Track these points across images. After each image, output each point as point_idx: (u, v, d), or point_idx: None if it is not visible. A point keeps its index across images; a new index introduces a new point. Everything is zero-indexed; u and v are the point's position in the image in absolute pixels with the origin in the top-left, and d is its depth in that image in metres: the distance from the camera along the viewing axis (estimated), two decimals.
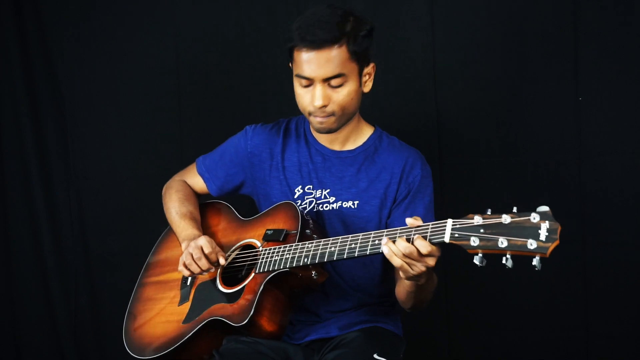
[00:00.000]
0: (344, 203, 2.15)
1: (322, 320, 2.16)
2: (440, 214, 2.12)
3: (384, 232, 1.83)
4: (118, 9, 3.12)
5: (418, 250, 1.76)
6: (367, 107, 2.82)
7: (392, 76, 2.88)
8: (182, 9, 3.06)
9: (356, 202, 2.14)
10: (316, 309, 2.16)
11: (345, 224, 2.14)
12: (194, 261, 2.10)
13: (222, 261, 2.11)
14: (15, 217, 3.22)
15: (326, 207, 2.15)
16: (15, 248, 3.23)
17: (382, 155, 2.18)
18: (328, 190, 2.17)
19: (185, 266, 2.12)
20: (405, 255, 1.77)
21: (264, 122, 2.31)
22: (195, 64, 3.08)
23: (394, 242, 1.78)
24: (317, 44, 1.98)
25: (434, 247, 1.76)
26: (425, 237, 1.75)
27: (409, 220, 1.80)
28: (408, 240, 1.77)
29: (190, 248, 2.11)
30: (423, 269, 1.79)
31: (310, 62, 2.00)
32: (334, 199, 2.16)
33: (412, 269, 1.80)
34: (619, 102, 2.71)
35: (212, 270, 2.13)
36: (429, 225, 1.76)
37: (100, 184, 3.19)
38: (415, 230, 1.77)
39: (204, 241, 2.11)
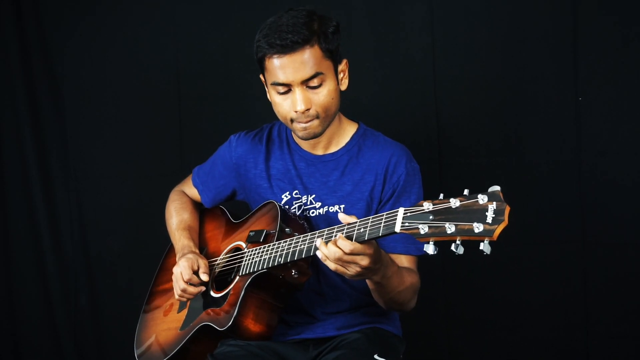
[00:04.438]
0: (330, 208, 2.12)
1: (319, 321, 2.15)
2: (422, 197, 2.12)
3: (344, 226, 1.79)
4: (118, 9, 3.12)
5: (342, 251, 1.74)
6: (366, 108, 2.83)
7: (392, 76, 2.88)
8: (182, 9, 3.06)
9: (342, 206, 2.11)
10: (312, 310, 2.15)
11: None
12: (183, 292, 2.12)
13: (204, 278, 2.12)
14: (15, 217, 3.22)
15: (313, 212, 2.13)
16: (15, 248, 3.24)
17: (366, 154, 2.14)
18: (314, 195, 2.14)
19: (181, 297, 2.16)
20: (337, 259, 1.75)
21: (266, 123, 2.31)
22: (195, 65, 3.08)
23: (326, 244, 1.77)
24: (289, 47, 1.94)
25: (357, 246, 1.73)
26: (379, 229, 1.70)
27: (342, 217, 1.78)
28: (359, 236, 1.74)
29: (174, 280, 2.14)
30: (358, 269, 1.77)
31: (285, 67, 1.96)
32: (320, 204, 2.13)
33: (348, 270, 1.78)
34: (619, 102, 2.70)
35: (204, 288, 2.13)
36: (383, 215, 1.72)
37: (100, 184, 3.19)
38: (371, 222, 1.73)
39: (183, 267, 2.12)
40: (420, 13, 2.84)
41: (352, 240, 1.75)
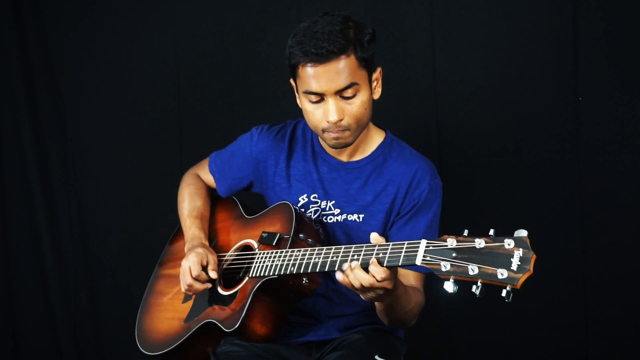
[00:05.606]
0: (349, 216, 2.09)
1: (322, 323, 2.14)
2: (440, 215, 2.12)
3: (362, 247, 1.77)
4: (117, 9, 3.12)
5: (375, 278, 1.71)
6: None
7: (392, 76, 2.87)
8: (182, 9, 3.06)
9: (361, 216, 2.08)
10: (317, 313, 2.14)
11: (349, 237, 2.09)
12: (189, 287, 2.10)
13: (213, 275, 2.08)
14: (15, 217, 3.22)
15: (330, 219, 2.10)
16: (14, 248, 3.23)
17: (390, 166, 2.09)
18: (333, 202, 2.11)
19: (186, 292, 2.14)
20: (364, 286, 1.73)
21: (266, 123, 2.27)
22: (195, 64, 3.08)
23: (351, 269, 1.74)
24: (324, 56, 1.88)
25: (388, 272, 1.70)
26: (398, 258, 1.68)
27: (374, 236, 1.75)
28: (380, 263, 1.71)
29: (182, 274, 2.11)
30: (381, 292, 1.75)
31: (319, 77, 1.90)
32: (338, 211, 2.10)
33: (368, 294, 1.76)
34: (619, 102, 2.71)
35: (210, 285, 2.11)
36: (403, 244, 1.69)
37: (100, 184, 3.19)
38: (391, 249, 1.71)
39: (192, 262, 2.08)
40: (420, 13, 2.83)
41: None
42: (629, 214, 2.72)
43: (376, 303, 1.91)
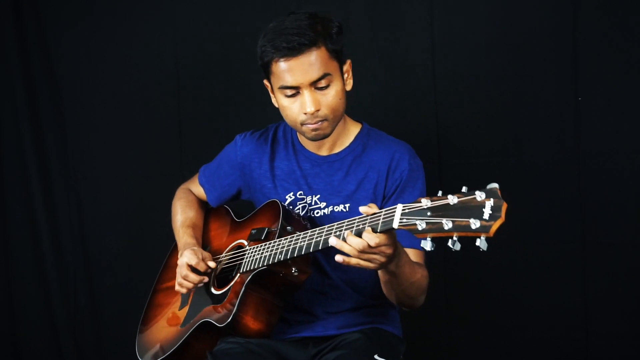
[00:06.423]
0: (335, 207, 2.13)
1: (320, 320, 2.16)
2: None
3: (344, 222, 1.81)
4: (117, 9, 3.12)
5: (368, 244, 1.73)
6: (366, 108, 2.83)
7: (392, 76, 2.88)
8: (181, 10, 3.06)
9: (347, 205, 2.12)
10: (314, 309, 2.16)
11: None
12: (184, 279, 2.12)
13: (212, 264, 2.13)
14: (15, 217, 3.22)
15: (317, 213, 2.14)
16: (14, 248, 3.24)
17: (369, 153, 2.15)
18: (318, 196, 2.16)
19: (181, 285, 2.16)
20: (360, 252, 1.74)
21: (266, 123, 2.31)
22: (195, 65, 3.09)
23: (345, 241, 1.75)
24: (296, 50, 1.96)
25: (382, 237, 1.72)
26: (377, 225, 1.71)
27: (363, 209, 1.76)
28: (359, 233, 1.73)
29: (178, 269, 2.15)
30: (383, 259, 1.77)
31: (293, 70, 1.98)
32: (324, 204, 2.14)
33: (372, 262, 1.77)
34: (619, 102, 2.70)
35: (206, 278, 2.14)
36: (381, 212, 1.72)
37: (100, 184, 3.20)
38: (370, 218, 1.74)
39: (188, 255, 2.13)
40: (420, 13, 2.84)
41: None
42: (629, 214, 2.72)
43: (381, 274, 1.93)
